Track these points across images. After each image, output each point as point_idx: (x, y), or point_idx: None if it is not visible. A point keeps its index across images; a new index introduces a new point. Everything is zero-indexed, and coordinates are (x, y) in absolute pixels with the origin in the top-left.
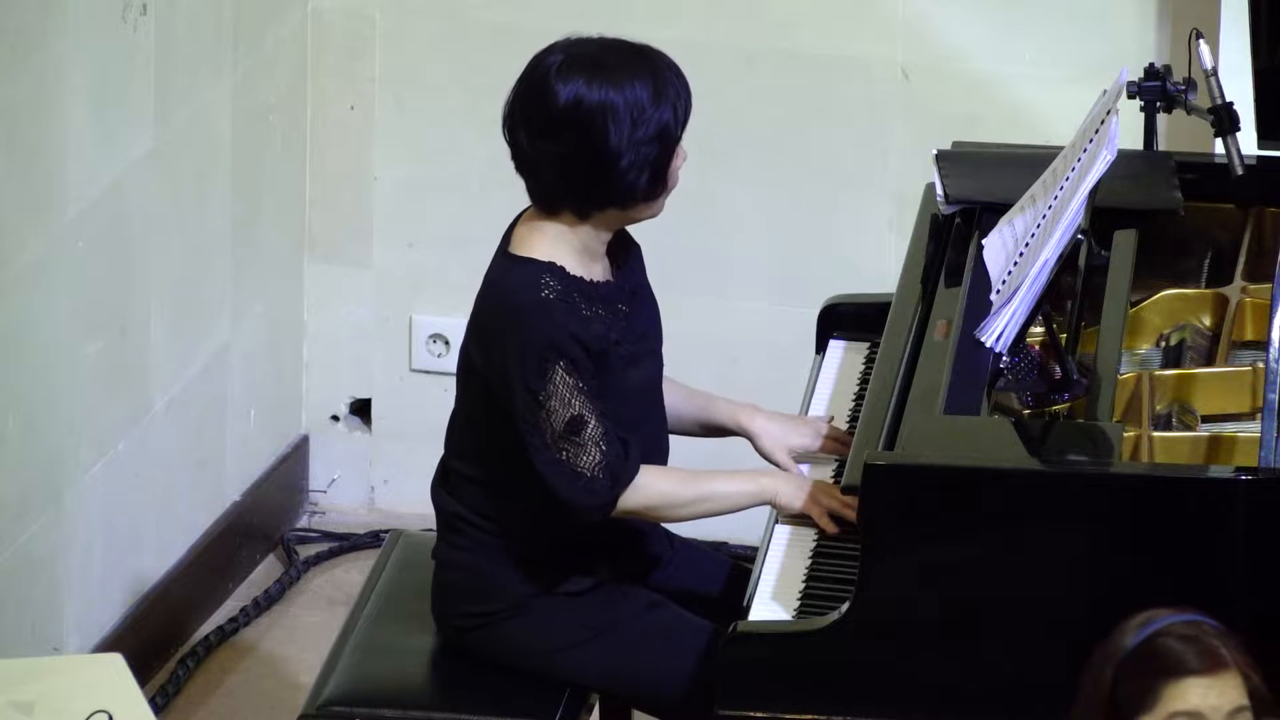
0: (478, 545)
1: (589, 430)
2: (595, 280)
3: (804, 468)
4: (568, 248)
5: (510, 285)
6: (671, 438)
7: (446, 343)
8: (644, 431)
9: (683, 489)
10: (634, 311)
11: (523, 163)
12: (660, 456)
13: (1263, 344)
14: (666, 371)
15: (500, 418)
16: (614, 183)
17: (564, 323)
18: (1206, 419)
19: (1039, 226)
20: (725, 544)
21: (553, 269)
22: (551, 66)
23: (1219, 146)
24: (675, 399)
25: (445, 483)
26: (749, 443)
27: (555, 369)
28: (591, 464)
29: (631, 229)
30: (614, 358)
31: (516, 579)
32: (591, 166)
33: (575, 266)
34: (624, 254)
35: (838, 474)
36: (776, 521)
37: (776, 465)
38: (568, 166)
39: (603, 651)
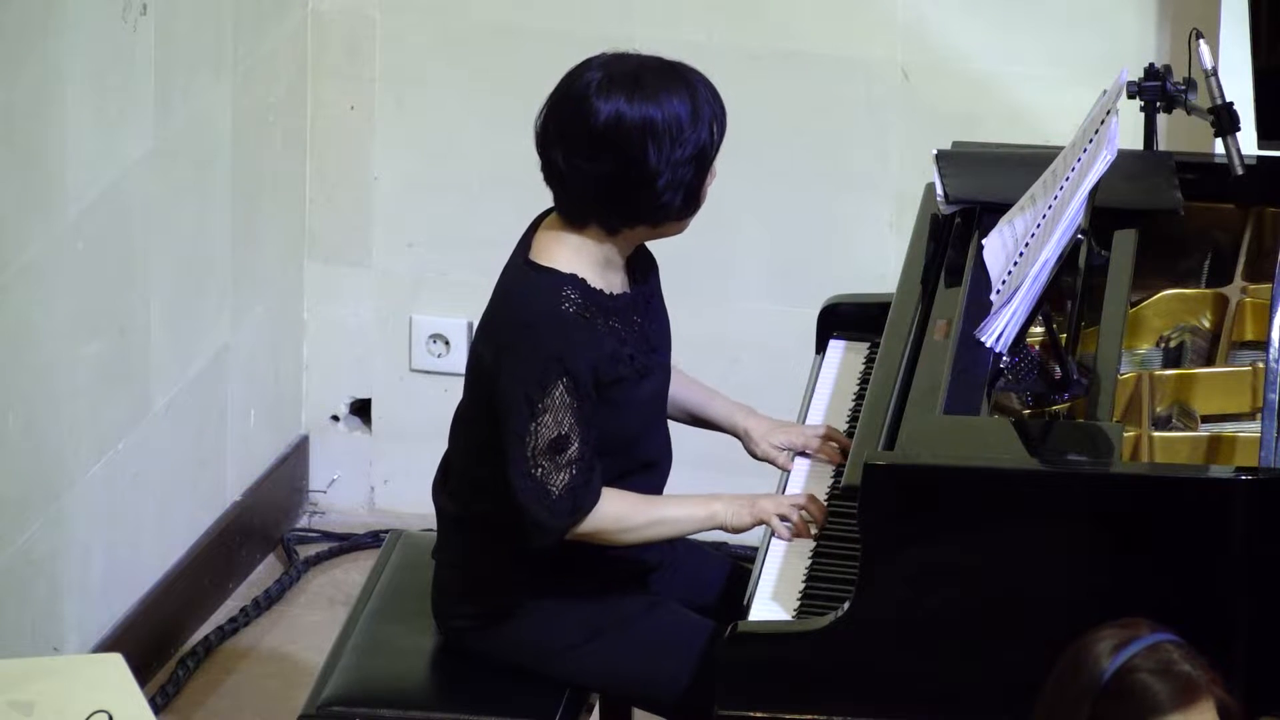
0: (478, 545)
1: (570, 452)
2: (614, 293)
3: (801, 469)
4: (590, 259)
5: (530, 294)
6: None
7: (446, 343)
8: (649, 442)
9: (635, 513)
10: (647, 322)
11: (554, 177)
12: (664, 467)
13: (1263, 344)
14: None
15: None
16: (648, 202)
17: (577, 341)
18: (1206, 419)
19: (1039, 226)
20: (725, 544)
21: (574, 281)
22: (590, 83)
23: (1219, 146)
24: (674, 384)
25: (446, 483)
26: (740, 442)
27: (557, 385)
28: (560, 485)
29: None
30: (627, 370)
31: (516, 579)
32: (628, 185)
33: (595, 279)
34: (640, 263)
35: (837, 475)
36: None
37: (766, 460)
38: (604, 184)
39: (603, 651)
